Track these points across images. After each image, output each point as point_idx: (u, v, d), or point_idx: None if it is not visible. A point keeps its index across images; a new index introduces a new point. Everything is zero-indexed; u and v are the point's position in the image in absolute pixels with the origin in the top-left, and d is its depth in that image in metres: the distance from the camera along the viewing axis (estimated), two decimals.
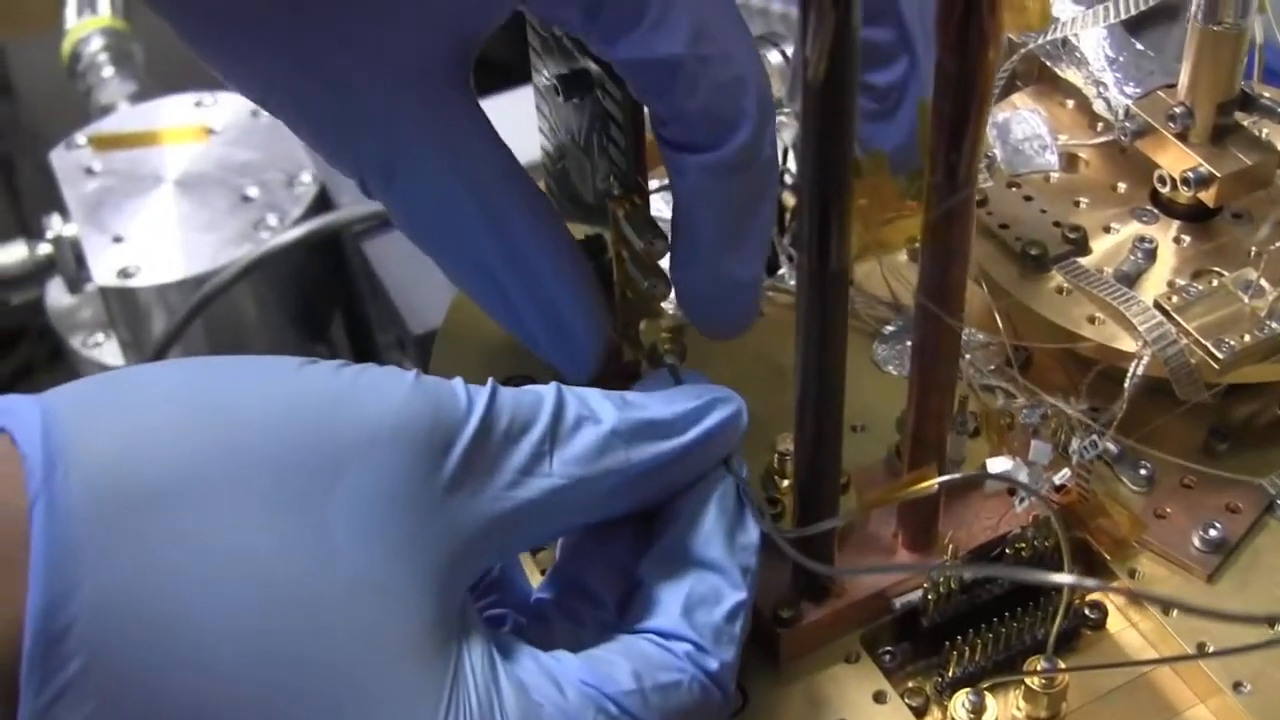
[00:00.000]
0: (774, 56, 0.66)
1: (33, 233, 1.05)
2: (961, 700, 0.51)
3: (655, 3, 0.49)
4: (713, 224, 0.53)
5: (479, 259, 0.54)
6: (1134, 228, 0.62)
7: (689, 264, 0.55)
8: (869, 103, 0.56)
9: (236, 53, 0.51)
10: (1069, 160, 0.65)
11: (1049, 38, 0.63)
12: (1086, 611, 0.55)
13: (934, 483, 0.45)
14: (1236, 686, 0.52)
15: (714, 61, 0.50)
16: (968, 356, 0.59)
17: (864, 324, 0.64)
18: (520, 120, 0.63)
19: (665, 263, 0.56)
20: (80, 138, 1.10)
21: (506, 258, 0.54)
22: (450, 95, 0.52)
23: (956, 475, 0.52)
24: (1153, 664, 0.53)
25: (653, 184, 0.58)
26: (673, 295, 0.57)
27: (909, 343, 0.60)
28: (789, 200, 0.65)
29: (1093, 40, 0.63)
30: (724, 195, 0.53)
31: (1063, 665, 0.51)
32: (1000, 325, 0.59)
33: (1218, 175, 0.59)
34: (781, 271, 0.66)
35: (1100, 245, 0.61)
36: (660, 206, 0.69)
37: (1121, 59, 0.63)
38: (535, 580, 0.53)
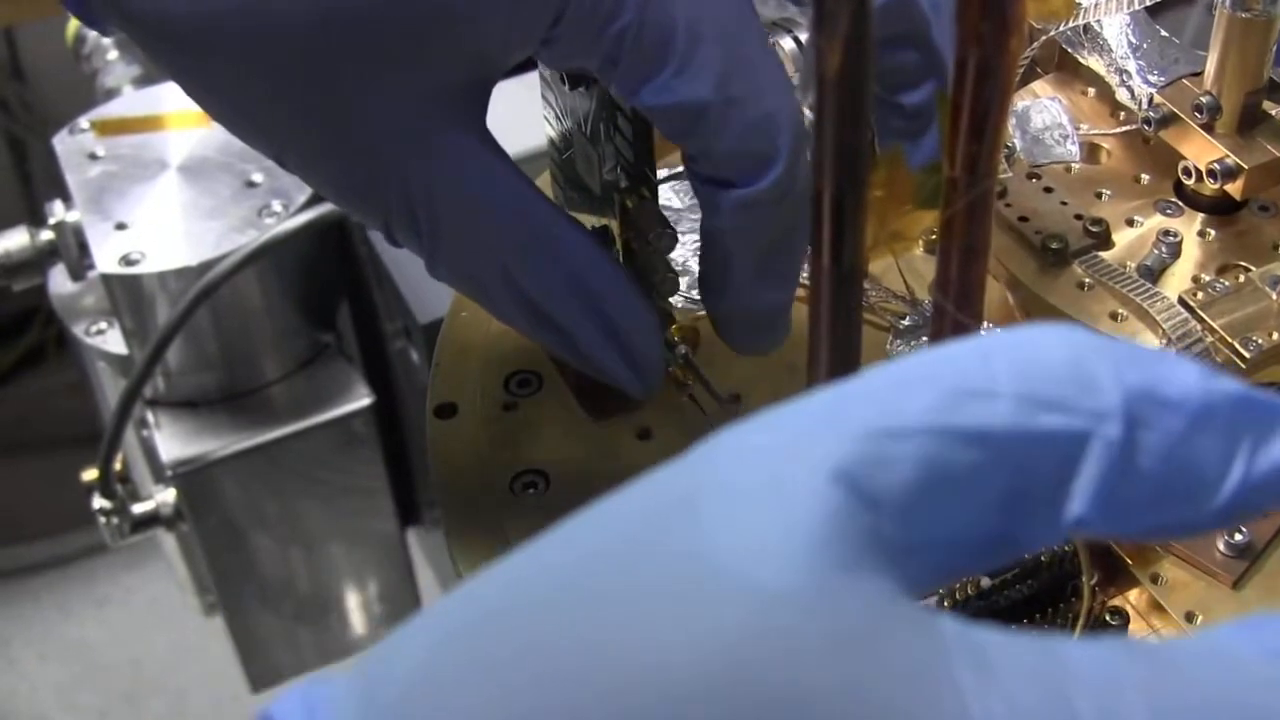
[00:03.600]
0: (788, 43, 0.64)
1: (42, 213, 1.04)
2: None
3: (679, 47, 0.47)
4: (747, 257, 0.52)
5: (523, 293, 0.52)
6: (1158, 221, 0.60)
7: (723, 294, 0.54)
8: (898, 122, 0.55)
9: (251, 116, 0.49)
10: (1090, 150, 0.63)
11: (1071, 24, 0.61)
12: (1108, 618, 0.54)
13: None
14: None
15: (743, 102, 0.48)
16: None
17: (879, 318, 0.62)
18: (526, 108, 0.62)
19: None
20: (84, 122, 1.08)
21: (550, 285, 0.52)
22: (469, 136, 0.50)
23: None
24: None
25: (661, 173, 0.56)
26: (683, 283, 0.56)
27: (924, 339, 0.59)
28: None
29: (1115, 26, 0.61)
30: (758, 229, 0.52)
31: None
32: (1013, 316, 0.57)
33: (1245, 167, 0.57)
34: None
35: (1123, 239, 0.60)
36: (669, 196, 0.67)
37: (1145, 46, 0.61)
38: None
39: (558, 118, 0.59)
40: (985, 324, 0.59)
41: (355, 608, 1.20)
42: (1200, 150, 0.58)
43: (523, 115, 0.63)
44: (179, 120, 1.06)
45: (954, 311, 0.45)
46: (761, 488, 0.27)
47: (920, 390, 0.28)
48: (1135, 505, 0.29)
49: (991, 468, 0.28)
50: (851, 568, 0.26)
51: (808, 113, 0.60)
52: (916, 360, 0.29)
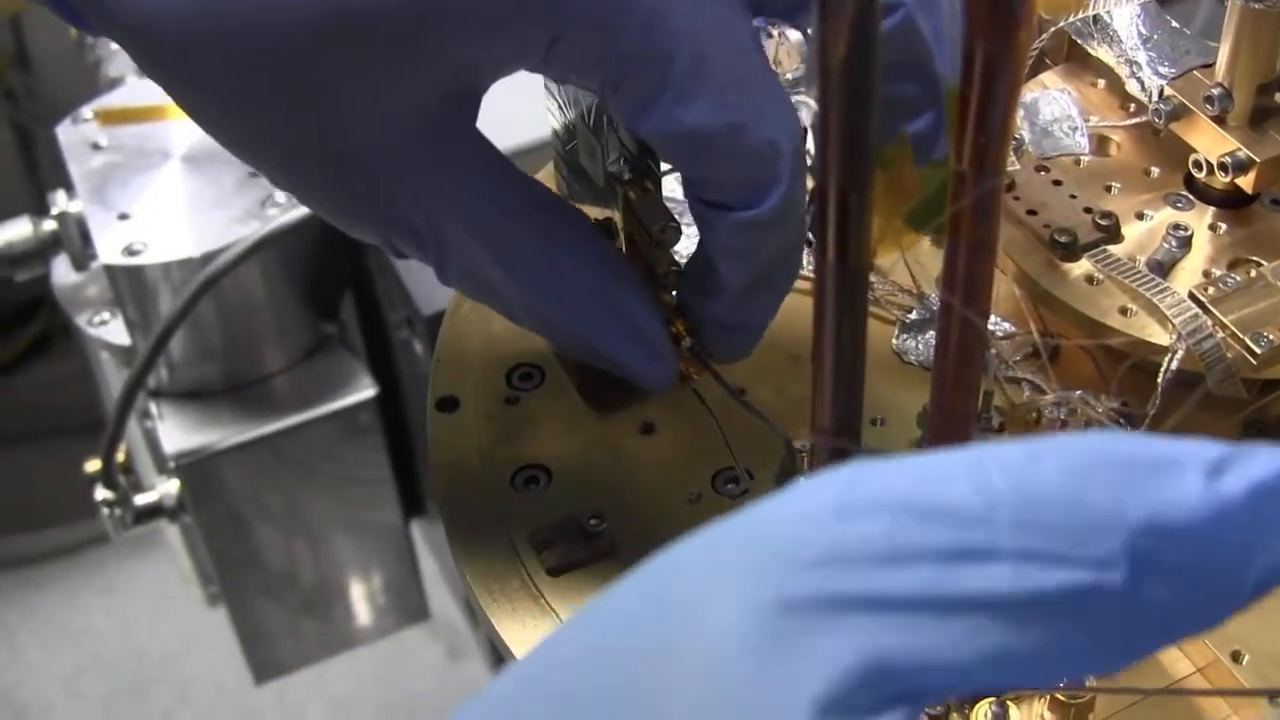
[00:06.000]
0: (794, 33, 0.64)
1: (47, 201, 1.03)
2: (984, 711, 0.49)
3: (682, 74, 0.46)
4: (739, 275, 0.52)
5: (533, 295, 0.52)
6: (1168, 214, 0.59)
7: (706, 301, 0.53)
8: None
9: (238, 129, 0.49)
10: (1100, 143, 0.62)
11: (1080, 15, 0.61)
12: None
13: None
14: (1275, 699, 0.49)
15: (746, 128, 0.48)
16: (993, 350, 0.57)
17: (885, 312, 0.62)
18: (530, 99, 0.61)
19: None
20: (86, 112, 1.08)
21: (558, 285, 0.52)
22: (460, 145, 0.49)
23: None
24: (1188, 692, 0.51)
25: (664, 166, 0.56)
26: None
27: (931, 333, 0.58)
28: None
29: (1126, 17, 0.61)
30: (755, 251, 0.51)
31: (1091, 681, 0.49)
32: (1028, 316, 0.57)
33: (1257, 160, 0.56)
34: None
35: (1132, 232, 0.59)
36: (673, 188, 0.67)
37: (1156, 37, 0.60)
38: None
39: (561, 108, 0.59)
40: (993, 319, 0.58)
41: (359, 599, 1.20)
42: (1211, 143, 0.57)
43: (527, 106, 0.63)
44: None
45: (961, 308, 0.44)
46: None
47: (921, 540, 0.27)
48: (1141, 634, 0.28)
49: (987, 628, 0.27)
50: None
51: (812, 104, 0.60)
52: (907, 483, 0.28)
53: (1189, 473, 0.27)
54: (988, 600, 0.27)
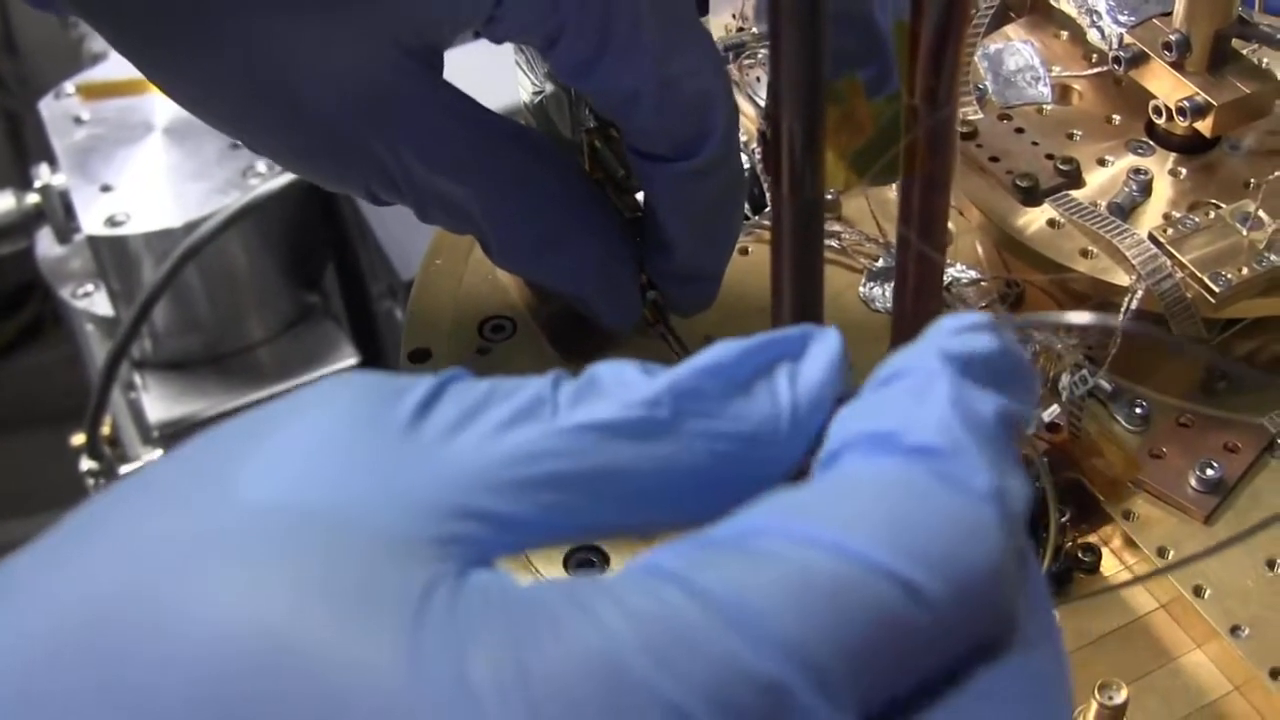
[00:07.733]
0: None
1: (30, 186, 1.04)
2: None
3: (621, 31, 0.47)
4: (683, 225, 0.53)
5: (510, 228, 0.53)
6: (1129, 160, 0.60)
7: (658, 256, 0.55)
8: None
9: (204, 97, 0.49)
10: (1062, 92, 0.63)
11: None
12: (1080, 554, 0.54)
13: None
14: (1234, 630, 0.50)
15: (680, 81, 0.49)
16: (953, 290, 0.58)
17: (852, 261, 0.63)
18: (501, 60, 0.62)
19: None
20: (69, 86, 1.09)
21: (532, 218, 0.53)
22: (425, 94, 0.50)
23: None
24: (1146, 578, 0.52)
25: None
26: None
27: None
28: None
29: None
30: (694, 200, 0.52)
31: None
32: (984, 259, 0.57)
33: (1215, 104, 0.57)
34: (768, 209, 0.64)
35: (1094, 178, 0.60)
36: None
37: None
38: None
39: (529, 65, 0.59)
40: (956, 264, 0.59)
41: None
42: (1170, 88, 0.58)
43: (499, 68, 0.63)
44: None
45: (917, 242, 0.45)
46: None
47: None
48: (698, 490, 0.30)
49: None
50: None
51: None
52: (486, 387, 0.30)
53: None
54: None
